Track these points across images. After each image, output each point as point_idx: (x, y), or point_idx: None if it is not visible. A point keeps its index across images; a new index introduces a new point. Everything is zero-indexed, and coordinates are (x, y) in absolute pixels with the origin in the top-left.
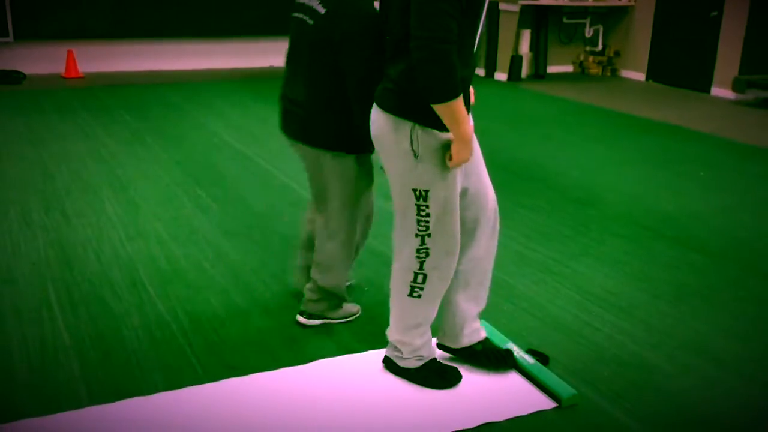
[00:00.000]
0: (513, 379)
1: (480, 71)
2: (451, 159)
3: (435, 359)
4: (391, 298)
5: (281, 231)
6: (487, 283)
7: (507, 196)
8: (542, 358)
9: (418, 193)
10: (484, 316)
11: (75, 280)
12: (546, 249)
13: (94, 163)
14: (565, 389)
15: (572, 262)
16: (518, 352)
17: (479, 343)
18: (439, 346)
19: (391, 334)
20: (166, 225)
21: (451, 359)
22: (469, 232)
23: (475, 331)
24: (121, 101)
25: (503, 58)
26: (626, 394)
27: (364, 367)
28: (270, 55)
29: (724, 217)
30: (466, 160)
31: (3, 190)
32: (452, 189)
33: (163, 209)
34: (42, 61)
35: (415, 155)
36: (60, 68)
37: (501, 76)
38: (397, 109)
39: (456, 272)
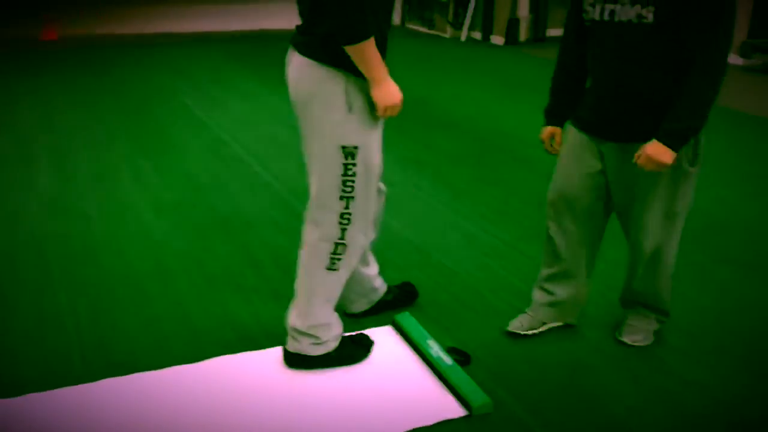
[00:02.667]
0: (425, 383)
1: (476, 35)
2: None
3: (344, 334)
4: (302, 278)
5: (220, 207)
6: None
7: (471, 170)
8: (463, 358)
9: (347, 150)
10: (415, 309)
11: None
12: (498, 230)
13: (42, 131)
14: (477, 396)
15: (523, 244)
16: (437, 351)
17: (388, 292)
18: (349, 315)
19: (302, 321)
20: (97, 200)
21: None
22: None
23: (382, 284)
24: (90, 66)
25: (500, 20)
26: (549, 401)
27: (264, 365)
28: (258, 18)
29: (699, 193)
30: (397, 105)
31: None
32: (378, 148)
33: (99, 183)
34: (17, 24)
35: (349, 108)
36: (36, 32)
37: (497, 39)
38: (329, 58)
39: None
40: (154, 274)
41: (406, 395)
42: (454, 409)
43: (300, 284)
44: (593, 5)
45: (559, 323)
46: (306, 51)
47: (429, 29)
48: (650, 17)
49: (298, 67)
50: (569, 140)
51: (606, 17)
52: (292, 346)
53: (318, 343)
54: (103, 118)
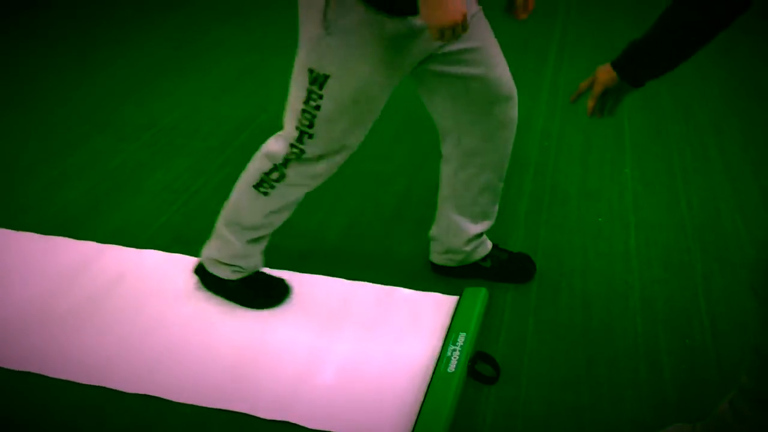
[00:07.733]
0: (406, 384)
1: None
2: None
3: (261, 272)
4: (238, 180)
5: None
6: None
7: None
8: (495, 374)
9: (314, 75)
10: (518, 289)
11: None
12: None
13: None
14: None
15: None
16: (454, 350)
17: (486, 258)
18: (434, 268)
19: (219, 222)
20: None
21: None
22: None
23: (479, 247)
24: None
25: None
26: None
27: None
28: None
29: None
30: (457, 24)
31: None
32: (360, 87)
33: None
34: None
35: (326, 27)
36: None
37: None
38: None
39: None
40: None
41: (368, 388)
42: None
43: (235, 185)
44: None
45: None
46: None
47: None
48: None
49: None
50: None
51: None
52: (205, 250)
53: (216, 261)
54: None
